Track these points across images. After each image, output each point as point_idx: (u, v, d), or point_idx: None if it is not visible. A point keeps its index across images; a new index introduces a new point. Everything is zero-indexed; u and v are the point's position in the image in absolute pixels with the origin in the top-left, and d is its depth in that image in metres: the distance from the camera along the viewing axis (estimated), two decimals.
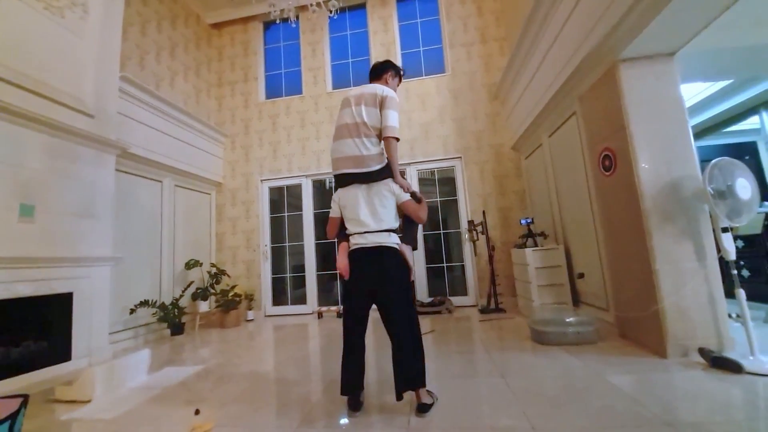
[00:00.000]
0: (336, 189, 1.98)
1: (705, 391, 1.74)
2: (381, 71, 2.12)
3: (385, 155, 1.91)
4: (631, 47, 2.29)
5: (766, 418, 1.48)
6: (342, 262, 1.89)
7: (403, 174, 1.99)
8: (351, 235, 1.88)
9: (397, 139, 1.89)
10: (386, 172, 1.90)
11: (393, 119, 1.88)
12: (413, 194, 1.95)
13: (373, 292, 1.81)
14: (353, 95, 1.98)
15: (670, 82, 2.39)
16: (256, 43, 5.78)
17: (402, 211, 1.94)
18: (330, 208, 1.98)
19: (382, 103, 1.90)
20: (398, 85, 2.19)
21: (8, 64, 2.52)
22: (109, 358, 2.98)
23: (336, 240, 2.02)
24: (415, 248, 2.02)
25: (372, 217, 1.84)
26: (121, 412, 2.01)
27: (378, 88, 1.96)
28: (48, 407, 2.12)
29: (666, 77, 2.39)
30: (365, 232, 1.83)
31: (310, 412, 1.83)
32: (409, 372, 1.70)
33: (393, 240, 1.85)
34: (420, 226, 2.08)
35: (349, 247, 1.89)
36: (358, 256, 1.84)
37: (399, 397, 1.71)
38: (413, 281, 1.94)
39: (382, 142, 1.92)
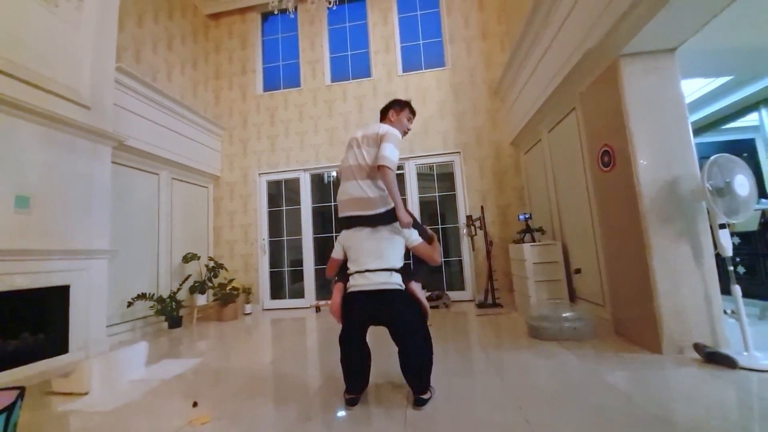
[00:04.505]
0: (341, 230, 1.95)
1: (699, 387, 1.75)
2: (384, 111, 2.14)
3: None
4: (632, 43, 2.26)
5: (760, 413, 1.50)
6: (336, 302, 1.85)
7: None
8: (351, 274, 1.81)
9: (391, 170, 1.80)
10: (393, 216, 1.84)
11: (387, 150, 1.82)
12: (422, 230, 1.90)
13: (373, 319, 1.76)
14: (358, 137, 1.96)
15: (670, 78, 2.37)
16: (254, 35, 5.71)
17: (413, 254, 1.91)
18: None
19: (381, 140, 1.86)
20: (413, 117, 2.15)
21: (2, 54, 2.48)
22: (107, 350, 2.98)
23: (334, 279, 1.99)
24: (424, 283, 1.98)
25: (375, 254, 1.77)
26: (118, 404, 2.01)
27: (381, 128, 1.92)
28: (45, 399, 2.12)
29: (667, 73, 2.38)
30: (365, 271, 1.75)
31: (308, 405, 1.84)
32: (417, 387, 1.73)
33: (395, 280, 1.76)
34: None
35: (346, 290, 1.83)
36: (355, 298, 1.76)
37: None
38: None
39: None
